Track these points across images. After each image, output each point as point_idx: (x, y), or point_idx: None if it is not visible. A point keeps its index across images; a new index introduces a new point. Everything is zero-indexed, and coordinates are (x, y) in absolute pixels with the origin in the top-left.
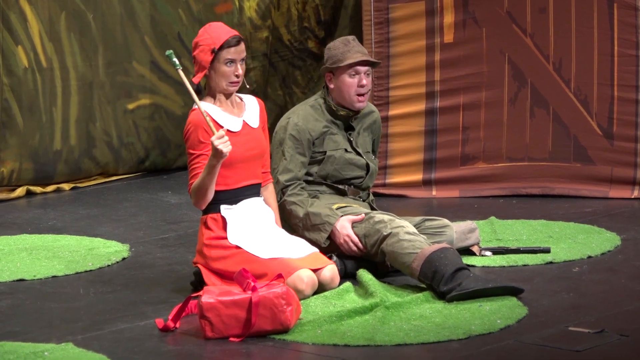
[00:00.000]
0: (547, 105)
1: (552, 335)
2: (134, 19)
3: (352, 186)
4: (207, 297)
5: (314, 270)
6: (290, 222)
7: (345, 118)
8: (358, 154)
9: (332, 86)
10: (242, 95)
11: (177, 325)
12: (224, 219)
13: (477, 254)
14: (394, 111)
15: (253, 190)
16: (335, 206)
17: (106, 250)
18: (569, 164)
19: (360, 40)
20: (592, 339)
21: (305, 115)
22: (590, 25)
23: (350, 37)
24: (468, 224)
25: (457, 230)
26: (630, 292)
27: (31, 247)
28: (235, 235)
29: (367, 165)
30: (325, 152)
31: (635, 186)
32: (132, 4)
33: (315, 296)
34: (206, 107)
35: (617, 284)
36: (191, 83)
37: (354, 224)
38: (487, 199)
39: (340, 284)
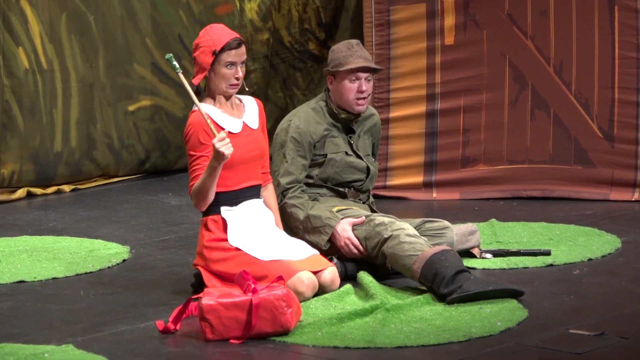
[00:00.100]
0: (548, 108)
1: (552, 337)
2: (135, 20)
3: (352, 189)
4: (208, 299)
5: (315, 273)
6: (290, 224)
7: (346, 121)
8: (358, 156)
9: (332, 89)
10: (241, 97)
11: (178, 327)
12: (224, 221)
13: (478, 256)
14: (394, 113)
15: (253, 192)
16: (335, 209)
17: (106, 252)
18: (569, 167)
19: (361, 42)
20: (593, 342)
21: (307, 117)
22: (591, 28)
23: (354, 41)
24: (468, 226)
25: (458, 232)
26: (631, 294)
27: (31, 248)
28: (235, 238)
29: (368, 168)
30: (326, 154)
31: (635, 189)
32: (132, 5)
33: (315, 298)
34: (206, 108)
35: (617, 286)
36: (191, 85)
37: (354, 227)
38: (487, 201)
39: (340, 286)
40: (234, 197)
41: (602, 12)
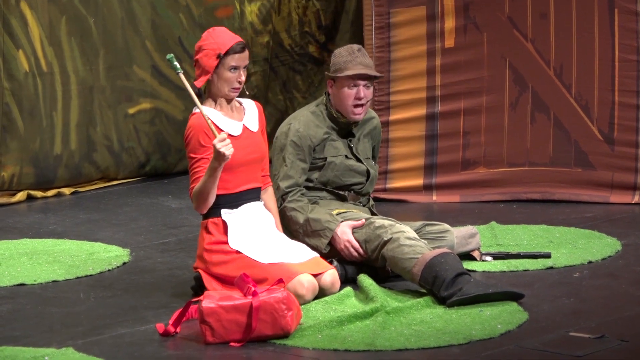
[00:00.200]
0: (548, 110)
1: (552, 340)
2: (135, 23)
3: (352, 192)
4: (208, 301)
5: (315, 275)
6: (290, 228)
7: (346, 125)
8: (358, 160)
9: (332, 93)
10: (241, 100)
11: (178, 330)
12: (224, 223)
13: (478, 259)
14: (394, 116)
15: (253, 194)
16: (335, 212)
17: (107, 255)
18: (569, 169)
19: (361, 45)
20: (593, 345)
21: (307, 121)
22: (591, 31)
23: (356, 47)
24: (469, 229)
25: (458, 235)
26: (631, 297)
27: (32, 251)
28: (235, 240)
29: (368, 172)
30: (326, 158)
31: (636, 191)
32: (133, 8)
33: (315, 301)
34: (207, 111)
35: (617, 289)
36: (192, 87)
37: (354, 230)
38: (487, 204)
39: (340, 289)
40: (234, 200)
41: (602, 15)
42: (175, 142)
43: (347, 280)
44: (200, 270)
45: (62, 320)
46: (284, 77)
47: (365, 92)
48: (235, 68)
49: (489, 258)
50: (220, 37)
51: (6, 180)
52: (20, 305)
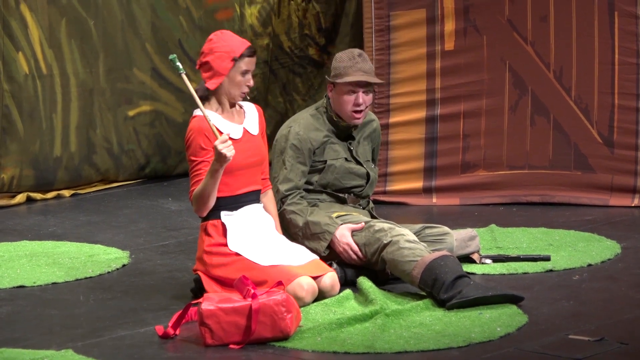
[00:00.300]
0: (548, 113)
1: (552, 343)
2: (135, 25)
3: (352, 195)
4: (207, 304)
5: (314, 278)
6: (290, 231)
7: (346, 128)
8: (358, 163)
9: (332, 97)
10: (241, 103)
11: (177, 332)
12: (224, 225)
13: (477, 261)
14: (394, 118)
15: (253, 197)
16: (335, 215)
17: (106, 257)
18: (569, 172)
19: (361, 48)
20: (592, 347)
21: (307, 124)
22: (591, 34)
23: (357, 52)
24: (468, 231)
25: (458, 237)
26: (630, 300)
27: (31, 253)
28: (235, 243)
29: (367, 174)
30: (326, 161)
31: (635, 194)
32: (133, 10)
33: (315, 303)
34: (208, 113)
35: (617, 292)
36: (196, 89)
37: (353, 233)
38: (487, 207)
39: (340, 291)
40: (234, 202)
41: (602, 18)
42: (175, 145)
43: (347, 282)
44: (199, 273)
45: (61, 322)
46: (283, 80)
47: (365, 98)
48: (247, 72)
49: (488, 261)
50: (231, 41)
51: (6, 182)
52: (19, 307)
